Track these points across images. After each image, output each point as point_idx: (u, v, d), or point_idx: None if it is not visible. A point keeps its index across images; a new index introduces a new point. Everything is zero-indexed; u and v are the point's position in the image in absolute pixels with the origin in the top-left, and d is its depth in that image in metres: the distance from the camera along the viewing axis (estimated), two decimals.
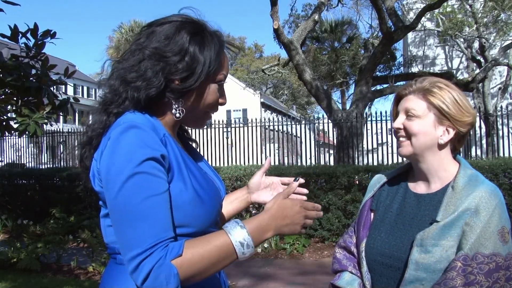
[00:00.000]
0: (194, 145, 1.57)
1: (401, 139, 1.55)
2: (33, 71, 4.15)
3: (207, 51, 1.29)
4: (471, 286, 1.32)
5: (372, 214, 1.72)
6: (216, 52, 1.31)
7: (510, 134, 10.36)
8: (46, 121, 3.96)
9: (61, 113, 4.31)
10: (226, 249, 1.17)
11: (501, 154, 10.62)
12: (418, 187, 1.60)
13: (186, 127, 1.55)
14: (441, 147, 1.52)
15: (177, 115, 1.31)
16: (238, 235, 1.18)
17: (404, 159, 1.65)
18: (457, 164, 1.55)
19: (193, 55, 1.27)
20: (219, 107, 1.42)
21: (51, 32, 4.17)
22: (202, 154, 1.54)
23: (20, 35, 4.05)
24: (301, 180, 1.45)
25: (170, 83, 1.27)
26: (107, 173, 1.18)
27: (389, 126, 9.72)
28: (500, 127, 11.00)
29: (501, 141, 10.70)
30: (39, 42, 4.15)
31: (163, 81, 1.25)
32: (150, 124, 1.22)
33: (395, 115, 1.63)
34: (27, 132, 3.80)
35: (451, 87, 1.52)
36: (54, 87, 4.33)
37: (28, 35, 4.10)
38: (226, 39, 1.39)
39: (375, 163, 11.17)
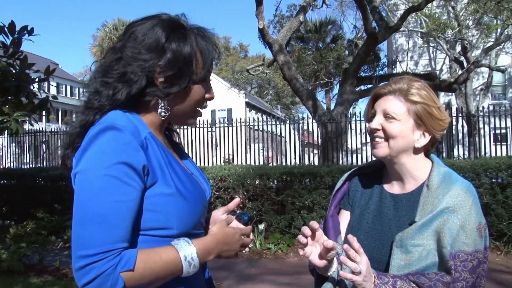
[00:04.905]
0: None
1: (377, 139, 1.52)
2: (12, 70, 4.07)
3: (190, 47, 1.28)
4: (457, 282, 1.34)
5: (343, 213, 1.70)
6: (203, 48, 1.31)
7: (491, 134, 10.52)
8: (27, 118, 3.89)
9: (43, 113, 4.25)
10: (175, 267, 1.19)
11: (483, 154, 10.77)
12: (393, 188, 1.59)
13: (177, 128, 1.54)
14: (416, 150, 1.52)
15: (162, 114, 1.30)
16: (187, 254, 1.20)
17: None
18: (429, 162, 1.56)
19: (175, 52, 1.26)
20: (207, 103, 1.40)
21: (29, 29, 4.06)
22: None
23: None
24: (237, 200, 1.56)
25: (153, 81, 1.26)
26: (76, 168, 1.18)
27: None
28: (482, 127, 11.15)
29: (482, 141, 10.85)
30: (15, 40, 4.05)
31: (144, 79, 1.23)
32: (132, 126, 1.20)
33: (369, 113, 1.60)
34: (6, 131, 3.74)
35: (429, 90, 1.51)
36: (36, 85, 4.27)
37: (6, 33, 4.01)
38: (211, 37, 1.36)
39: (359, 163, 11.22)
